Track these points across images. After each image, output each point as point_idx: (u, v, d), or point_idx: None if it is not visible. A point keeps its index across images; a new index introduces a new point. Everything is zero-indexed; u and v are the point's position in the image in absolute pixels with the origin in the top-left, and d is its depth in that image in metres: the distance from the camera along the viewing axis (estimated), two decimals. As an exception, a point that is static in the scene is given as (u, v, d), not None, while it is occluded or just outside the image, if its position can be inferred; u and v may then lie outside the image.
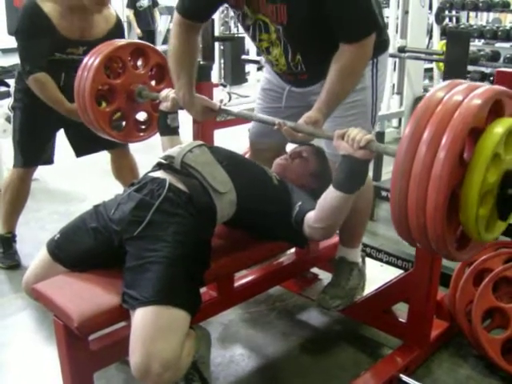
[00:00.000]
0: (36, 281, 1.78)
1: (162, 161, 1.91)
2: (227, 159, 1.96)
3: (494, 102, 1.35)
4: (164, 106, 2.22)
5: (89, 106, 2.36)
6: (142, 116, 2.67)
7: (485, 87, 1.36)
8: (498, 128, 1.32)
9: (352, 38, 1.81)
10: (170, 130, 2.22)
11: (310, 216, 1.85)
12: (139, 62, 2.56)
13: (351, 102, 1.98)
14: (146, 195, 1.78)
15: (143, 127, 2.68)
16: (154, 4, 9.98)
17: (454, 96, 1.34)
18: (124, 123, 2.62)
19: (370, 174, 3.25)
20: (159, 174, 1.87)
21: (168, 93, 2.21)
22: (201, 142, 2.02)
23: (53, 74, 2.70)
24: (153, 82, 2.62)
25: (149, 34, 9.75)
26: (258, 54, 9.25)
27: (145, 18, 9.78)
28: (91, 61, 2.35)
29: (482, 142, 1.31)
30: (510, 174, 1.37)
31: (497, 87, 1.39)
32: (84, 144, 3.00)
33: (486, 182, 1.31)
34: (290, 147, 2.54)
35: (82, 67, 2.37)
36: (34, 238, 3.35)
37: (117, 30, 2.88)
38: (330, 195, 1.75)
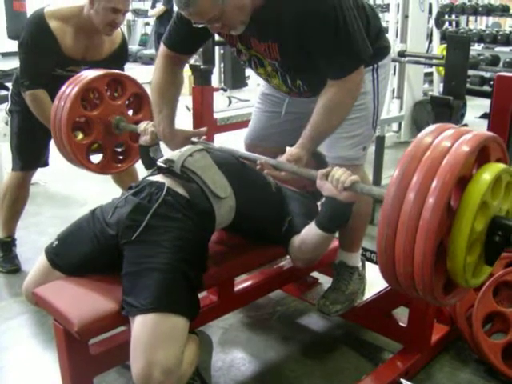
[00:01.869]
0: (36, 287, 1.77)
1: (162, 164, 1.90)
2: (227, 164, 1.95)
3: (482, 148, 1.35)
4: (143, 141, 2.17)
5: (65, 139, 2.31)
6: (119, 146, 2.61)
7: (472, 134, 1.35)
8: (485, 175, 1.31)
9: (337, 76, 1.82)
10: (155, 163, 2.06)
11: (294, 243, 1.88)
12: (116, 93, 2.51)
13: (356, 105, 1.99)
14: (143, 199, 1.76)
15: (121, 157, 2.62)
16: None
17: (442, 142, 1.33)
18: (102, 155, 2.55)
19: (370, 178, 3.25)
20: (158, 177, 1.86)
21: (146, 126, 2.17)
22: (201, 147, 2.00)
23: (50, 87, 2.67)
24: (130, 112, 2.57)
25: (159, 37, 9.66)
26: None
27: (160, 22, 9.70)
28: (68, 90, 2.30)
29: (469, 192, 1.30)
30: (497, 219, 1.36)
31: (484, 133, 1.38)
32: None
33: (473, 231, 1.30)
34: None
35: (58, 96, 2.32)
36: (34, 242, 3.35)
37: (120, 51, 2.88)
38: (312, 232, 1.78)
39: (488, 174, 1.31)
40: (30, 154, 2.96)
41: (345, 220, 1.73)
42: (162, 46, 2.09)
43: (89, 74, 2.36)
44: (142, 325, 1.54)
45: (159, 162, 1.92)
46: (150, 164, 2.15)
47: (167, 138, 2.09)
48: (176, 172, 1.85)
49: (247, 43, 1.92)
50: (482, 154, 1.36)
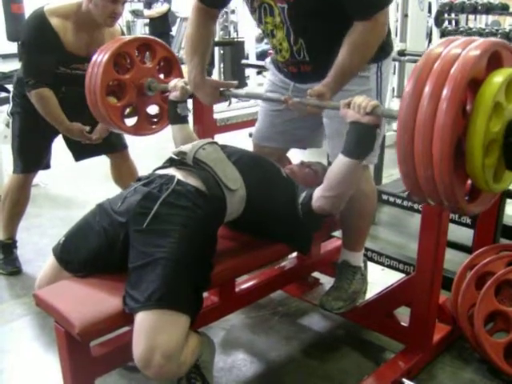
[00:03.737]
0: (49, 285, 1.78)
1: (174, 156, 1.94)
2: (238, 156, 2.00)
3: (493, 53, 1.38)
4: (173, 96, 2.25)
5: (100, 101, 2.37)
6: (153, 110, 2.68)
7: (482, 40, 1.38)
8: (498, 77, 1.34)
9: (364, 15, 1.82)
10: (180, 119, 2.26)
11: (319, 188, 1.90)
12: (146, 57, 2.58)
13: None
14: (153, 188, 1.78)
15: (155, 120, 2.70)
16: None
17: (451, 50, 1.37)
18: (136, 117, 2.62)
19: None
20: (169, 171, 1.89)
21: (177, 82, 2.25)
22: (212, 140, 2.06)
23: (53, 86, 2.69)
24: (161, 76, 2.64)
25: (159, 37, 9.66)
26: (260, 40, 9.23)
27: (158, 22, 9.71)
28: (100, 57, 2.37)
29: (481, 91, 1.33)
30: None
31: (494, 39, 1.41)
32: (82, 148, 3.00)
33: (488, 131, 1.33)
34: (294, 155, 2.55)
35: (91, 65, 2.40)
36: (35, 243, 3.36)
37: None
38: (340, 163, 1.80)
39: (500, 76, 1.34)
40: (31, 156, 2.96)
41: (370, 144, 1.76)
42: (194, 1, 2.15)
43: (119, 40, 2.46)
44: (145, 317, 1.55)
45: (171, 154, 1.96)
46: (175, 120, 2.28)
47: (198, 85, 2.15)
48: (188, 163, 1.89)
49: None
50: (494, 60, 1.39)
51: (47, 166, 3.09)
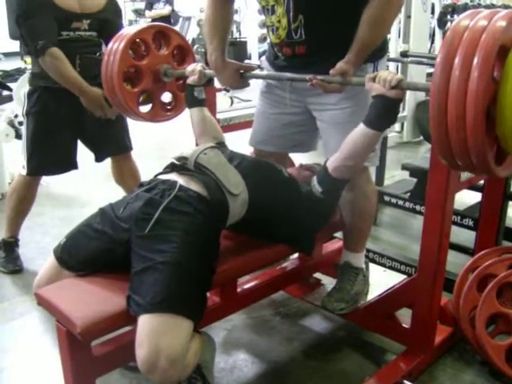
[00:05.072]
0: (48, 285, 1.78)
1: (175, 161, 1.94)
2: (239, 160, 2.00)
3: None
4: (191, 80, 2.25)
5: (117, 87, 2.37)
6: (167, 97, 2.69)
7: (506, 10, 1.42)
8: None
9: None
10: (198, 102, 2.26)
11: (335, 159, 1.93)
12: (161, 45, 2.59)
13: (353, 105, 2.01)
14: (155, 194, 1.78)
15: (169, 107, 2.71)
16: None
17: (478, 22, 1.41)
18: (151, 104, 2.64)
19: (373, 178, 3.25)
20: (170, 176, 1.88)
21: (195, 67, 2.25)
22: (213, 144, 2.06)
23: (67, 57, 2.70)
24: (175, 64, 2.63)
25: None
26: (263, 40, 9.14)
27: (160, 22, 9.71)
28: (116, 45, 2.38)
29: (511, 57, 1.37)
30: None
31: None
32: (99, 148, 3.03)
33: None
34: (296, 157, 2.55)
35: (107, 52, 2.41)
36: (37, 242, 3.37)
37: (112, 3, 2.94)
38: (360, 133, 1.83)
39: None
40: (41, 159, 2.92)
41: (393, 116, 1.80)
42: None
43: (134, 27, 2.49)
44: (148, 321, 1.54)
45: (173, 159, 1.96)
46: (193, 103, 2.28)
47: (219, 68, 2.16)
48: (190, 168, 1.89)
49: None
50: None
51: (69, 169, 3.03)
